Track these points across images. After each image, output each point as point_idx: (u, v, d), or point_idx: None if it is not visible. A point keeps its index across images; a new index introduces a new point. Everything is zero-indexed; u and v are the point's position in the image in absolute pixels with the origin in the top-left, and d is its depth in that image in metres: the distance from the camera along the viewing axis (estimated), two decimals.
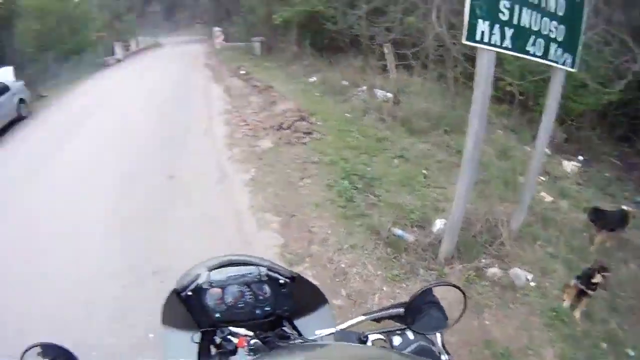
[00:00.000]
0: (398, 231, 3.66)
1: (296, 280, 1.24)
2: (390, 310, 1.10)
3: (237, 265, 1.25)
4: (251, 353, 1.10)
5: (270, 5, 15.11)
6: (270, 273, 1.22)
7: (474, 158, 2.96)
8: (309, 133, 5.81)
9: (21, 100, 12.45)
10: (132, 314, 2.83)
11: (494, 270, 3.18)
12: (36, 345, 0.99)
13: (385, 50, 7.00)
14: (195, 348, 1.24)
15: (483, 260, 3.28)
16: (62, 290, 3.13)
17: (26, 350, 0.98)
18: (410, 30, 7.94)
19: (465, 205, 3.09)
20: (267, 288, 1.25)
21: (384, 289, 3.12)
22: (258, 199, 4.59)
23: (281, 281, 1.23)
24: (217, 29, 23.13)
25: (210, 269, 1.24)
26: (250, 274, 1.23)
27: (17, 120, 11.97)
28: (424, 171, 4.91)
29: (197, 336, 1.26)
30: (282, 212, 4.27)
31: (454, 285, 1.07)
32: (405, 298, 3.08)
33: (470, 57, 4.53)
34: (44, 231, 4.13)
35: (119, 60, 24.44)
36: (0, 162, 6.97)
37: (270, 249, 3.74)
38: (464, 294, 1.01)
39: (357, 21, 9.36)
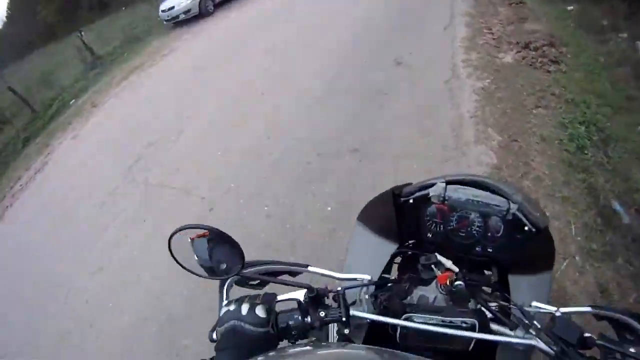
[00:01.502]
0: (617, 205, 3.35)
1: (542, 232, 1.09)
2: (622, 316, 0.90)
3: (484, 189, 1.12)
4: (446, 294, 1.02)
5: None
6: (519, 214, 1.07)
7: None
8: (556, 62, 5.66)
9: None
10: None
11: None
12: (186, 228, 0.88)
13: None
14: (384, 261, 1.16)
15: None
16: None
17: (175, 232, 0.88)
18: None
19: None
20: (503, 227, 1.11)
21: (576, 258, 2.96)
22: (484, 111, 4.61)
23: (526, 227, 1.08)
24: None
25: (449, 182, 1.13)
26: (497, 205, 1.07)
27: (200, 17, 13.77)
28: None
29: (394, 251, 1.18)
30: (505, 133, 4.20)
31: None
32: (591, 280, 3.11)
33: None
34: None
35: None
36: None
37: (482, 165, 3.78)
38: None
39: None
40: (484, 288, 1.06)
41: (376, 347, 0.74)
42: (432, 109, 4.81)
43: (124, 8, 21.23)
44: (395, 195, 1.19)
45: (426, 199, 1.13)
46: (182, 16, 11.99)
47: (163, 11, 12.39)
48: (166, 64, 9.31)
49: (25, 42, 33.14)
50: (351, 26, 7.74)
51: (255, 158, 4.75)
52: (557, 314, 0.89)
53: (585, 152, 4.03)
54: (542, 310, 0.93)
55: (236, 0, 13.07)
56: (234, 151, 5.05)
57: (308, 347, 0.83)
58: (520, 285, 1.08)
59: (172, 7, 12.01)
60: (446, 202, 1.11)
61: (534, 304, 0.94)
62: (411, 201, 1.16)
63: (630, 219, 3.24)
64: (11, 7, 41.07)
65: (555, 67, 5.60)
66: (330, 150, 4.48)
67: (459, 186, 1.12)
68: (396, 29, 7.26)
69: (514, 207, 1.05)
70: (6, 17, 41.72)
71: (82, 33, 12.95)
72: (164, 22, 12.73)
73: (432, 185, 1.12)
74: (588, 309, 0.94)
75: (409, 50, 6.31)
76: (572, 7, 8.71)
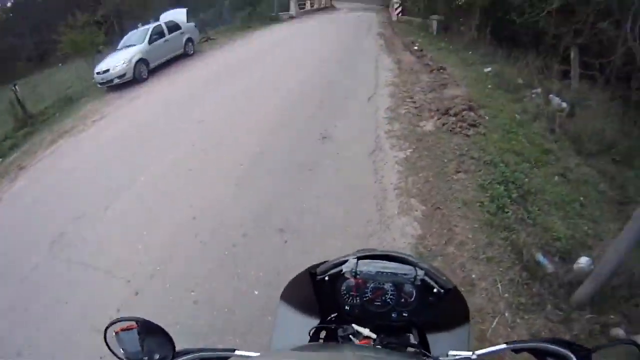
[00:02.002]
0: (540, 257, 3.47)
1: (451, 292, 1.16)
2: (539, 344, 0.97)
3: (392, 261, 1.19)
4: None
5: None
6: (427, 279, 1.14)
7: None
8: (475, 125, 5.92)
9: (189, 40, 15.39)
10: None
11: (618, 332, 2.84)
12: (119, 321, 0.98)
13: (571, 54, 6.64)
14: (307, 337, 1.20)
15: (612, 317, 2.94)
16: None
17: (108, 326, 0.97)
18: (600, 38, 7.38)
19: (620, 261, 2.82)
20: (414, 292, 1.18)
21: (506, 314, 3.00)
22: (407, 182, 4.76)
23: (435, 290, 1.15)
24: (394, 0, 22.72)
25: (359, 258, 1.19)
26: (405, 274, 1.14)
27: (182, 56, 14.74)
28: (582, 198, 4.59)
29: (313, 327, 1.22)
30: (428, 202, 4.35)
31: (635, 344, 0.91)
32: (523, 332, 3.05)
33: None
34: None
35: (291, 17, 26.43)
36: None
37: (406, 237, 3.85)
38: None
39: (544, 16, 8.83)
40: (404, 348, 1.13)
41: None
42: (356, 183, 4.88)
43: (60, 64, 20.64)
44: (312, 274, 1.24)
45: (341, 275, 1.19)
46: (117, 80, 11.84)
47: (98, 73, 12.18)
48: (97, 130, 8.90)
49: None
50: (279, 98, 8.19)
51: (181, 238, 4.50)
52: (474, 357, 0.95)
53: (506, 210, 4.14)
54: (458, 357, 0.98)
55: (171, 68, 13.49)
56: (160, 231, 4.77)
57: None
58: (438, 341, 1.15)
59: (107, 70, 11.89)
60: (359, 276, 1.16)
61: (451, 352, 1.00)
62: (327, 278, 1.21)
63: (554, 267, 3.36)
64: None
65: (474, 130, 5.84)
66: (256, 230, 4.31)
67: (369, 260, 1.19)
68: (323, 103, 7.57)
69: (420, 273, 1.13)
70: None
71: (17, 87, 12.41)
72: (98, 85, 12.48)
73: (345, 262, 1.18)
74: (503, 346, 0.98)
75: (335, 122, 6.53)
76: (489, 69, 9.39)
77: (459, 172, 4.86)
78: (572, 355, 0.91)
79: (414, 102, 6.92)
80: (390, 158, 5.32)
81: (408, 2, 21.42)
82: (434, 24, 15.78)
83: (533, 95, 7.32)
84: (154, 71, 12.91)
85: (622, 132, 6.27)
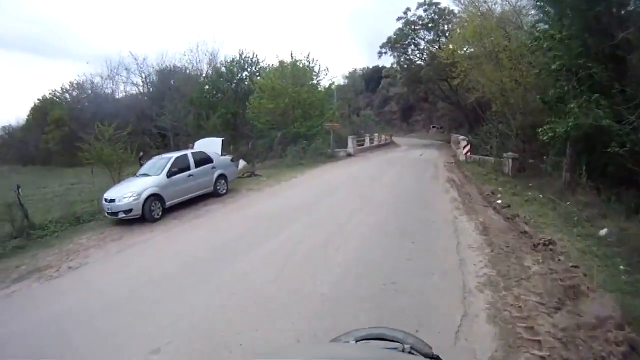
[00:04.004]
0: None
1: (434, 359, 1.33)
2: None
3: (384, 340, 1.36)
4: None
5: (534, 116, 12.66)
6: (413, 351, 1.30)
7: None
8: None
9: (221, 177, 12.78)
10: None
11: None
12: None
13: None
14: None
15: None
16: None
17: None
18: None
19: None
20: None
21: None
22: None
23: None
24: (461, 137, 21.36)
25: (358, 340, 1.38)
26: (394, 349, 1.29)
27: (212, 195, 12.24)
28: None
29: None
30: None
31: None
32: None
33: None
34: None
35: (349, 155, 25.28)
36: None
37: None
38: None
39: None
40: None
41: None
42: None
43: (92, 170, 17.52)
44: None
45: None
46: (122, 215, 9.79)
47: (105, 200, 10.18)
48: (65, 284, 6.64)
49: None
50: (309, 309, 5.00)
51: None
52: None
53: None
54: None
55: (196, 208, 11.33)
56: None
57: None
58: None
59: (113, 200, 9.93)
60: None
61: None
62: None
63: None
64: (31, 116, 41.66)
65: None
66: None
67: (365, 341, 1.37)
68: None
69: (407, 348, 1.31)
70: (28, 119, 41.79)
71: (20, 190, 10.13)
72: (106, 214, 10.30)
73: (347, 342, 1.36)
74: None
75: None
76: (605, 231, 6.61)
77: None
78: None
79: (537, 341, 3.87)
80: None
81: (478, 139, 19.60)
82: (510, 164, 13.45)
83: None
84: (171, 210, 10.81)
85: None
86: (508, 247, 6.37)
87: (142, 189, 10.13)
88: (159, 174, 10.83)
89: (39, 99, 40.75)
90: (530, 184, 11.15)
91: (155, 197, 10.29)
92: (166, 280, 6.03)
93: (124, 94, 35.51)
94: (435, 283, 5.25)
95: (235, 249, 7.17)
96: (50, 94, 38.85)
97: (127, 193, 9.99)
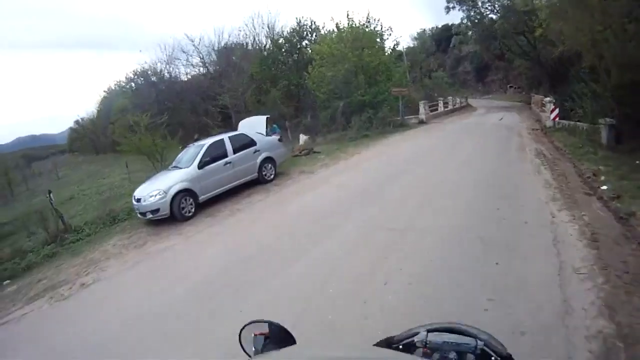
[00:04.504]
0: None
1: (507, 359, 1.23)
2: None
3: (456, 333, 1.28)
4: None
5: (633, 72, 9.57)
6: (486, 348, 1.22)
7: None
8: None
9: (267, 160, 10.94)
10: None
11: None
12: (251, 322, 1.36)
13: None
14: None
15: None
16: None
17: (244, 327, 1.34)
18: None
19: None
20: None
21: None
22: None
23: (493, 358, 1.20)
24: (547, 99, 17.89)
25: (430, 331, 1.30)
26: (466, 344, 1.22)
27: (257, 182, 10.89)
28: None
29: None
30: None
31: None
32: None
33: None
34: None
35: (421, 122, 22.84)
36: None
37: None
38: None
39: None
40: None
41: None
42: None
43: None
44: (388, 343, 1.33)
45: (412, 344, 1.27)
46: (150, 215, 8.82)
47: (134, 200, 9.34)
48: (76, 305, 5.88)
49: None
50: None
51: None
52: None
53: None
54: None
55: (237, 197, 10.11)
56: None
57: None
58: None
59: (140, 200, 9.05)
60: (428, 345, 1.24)
61: None
62: (401, 347, 1.30)
63: None
64: (100, 108, 42.80)
65: None
66: None
67: (437, 332, 1.28)
68: None
69: (480, 344, 1.21)
70: (97, 111, 43.09)
71: (52, 195, 10.01)
72: (138, 215, 9.35)
73: (417, 333, 1.28)
74: None
75: None
76: None
77: None
78: None
79: None
80: None
81: (567, 101, 16.37)
82: (605, 132, 10.77)
83: None
84: (209, 203, 9.61)
85: None
86: (627, 273, 4.25)
87: (169, 185, 9.04)
88: (189, 166, 9.62)
89: (104, 90, 42.50)
90: (638, 161, 8.43)
91: (185, 193, 9.13)
92: (158, 319, 4.88)
93: (185, 76, 35.33)
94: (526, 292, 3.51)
95: (264, 263, 5.80)
96: (115, 84, 39.99)
97: (152, 191, 8.95)
